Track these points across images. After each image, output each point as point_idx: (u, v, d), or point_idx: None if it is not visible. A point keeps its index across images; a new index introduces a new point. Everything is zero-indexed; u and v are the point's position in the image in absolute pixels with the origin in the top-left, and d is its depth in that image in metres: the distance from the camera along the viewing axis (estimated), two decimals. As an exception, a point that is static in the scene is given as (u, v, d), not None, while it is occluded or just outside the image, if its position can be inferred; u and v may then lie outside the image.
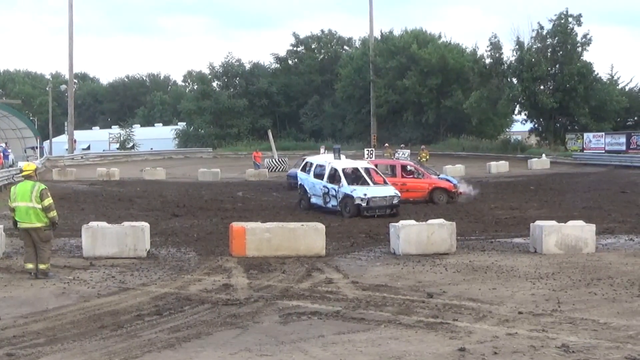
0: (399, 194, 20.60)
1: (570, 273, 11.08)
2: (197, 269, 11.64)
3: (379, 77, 65.46)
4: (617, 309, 8.76)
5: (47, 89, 75.91)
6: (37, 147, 56.18)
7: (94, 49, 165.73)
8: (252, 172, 38.96)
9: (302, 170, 23.35)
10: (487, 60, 59.47)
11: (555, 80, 54.87)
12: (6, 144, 47.56)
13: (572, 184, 30.70)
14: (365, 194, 19.81)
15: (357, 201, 19.74)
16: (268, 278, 10.84)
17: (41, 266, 10.91)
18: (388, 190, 20.44)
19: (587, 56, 55.82)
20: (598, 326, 7.91)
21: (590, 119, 53.33)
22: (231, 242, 12.96)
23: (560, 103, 53.39)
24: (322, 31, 79.94)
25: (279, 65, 79.96)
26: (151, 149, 66.81)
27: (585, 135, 50.48)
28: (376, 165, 23.95)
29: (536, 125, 58.90)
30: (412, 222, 13.48)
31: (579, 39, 54.82)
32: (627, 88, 58.32)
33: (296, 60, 79.24)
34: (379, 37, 71.08)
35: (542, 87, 55.58)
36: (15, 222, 11.16)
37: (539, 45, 55.66)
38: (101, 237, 12.69)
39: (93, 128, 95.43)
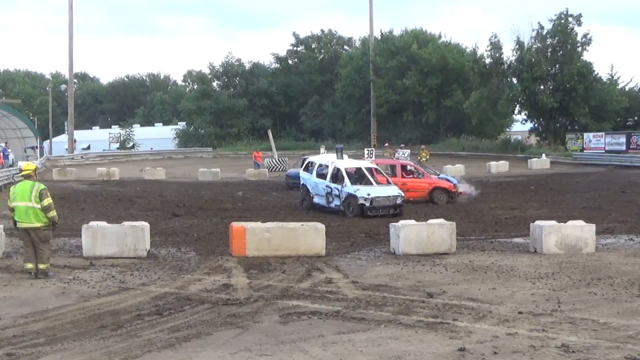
0: (403, 194, 20.53)
1: (570, 273, 11.08)
2: (197, 269, 11.64)
3: (379, 77, 65.39)
4: (617, 308, 8.76)
5: (47, 88, 75.87)
6: (37, 147, 56.11)
7: (94, 49, 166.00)
8: (252, 171, 38.96)
9: (304, 169, 23.22)
10: (487, 60, 59.44)
11: (555, 80, 54.84)
12: (6, 143, 47.46)
13: (572, 184, 30.68)
14: (368, 194, 19.72)
15: (361, 201, 19.66)
16: (268, 278, 10.84)
17: (41, 266, 10.91)
18: (391, 190, 20.35)
19: (587, 56, 55.86)
20: (598, 326, 7.90)
21: (590, 119, 53.31)
22: (231, 241, 12.96)
23: (560, 103, 53.37)
24: (322, 31, 79.97)
25: (279, 65, 79.87)
26: (151, 148, 66.74)
27: (585, 135, 50.45)
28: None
29: (536, 125, 58.86)
30: (412, 222, 13.49)
31: (579, 39, 54.79)
32: (627, 88, 58.28)
33: (296, 60, 79.15)
34: (379, 37, 71.00)
35: (542, 87, 55.54)
36: (15, 222, 11.16)
37: (539, 45, 55.62)
38: (101, 237, 12.70)
39: (93, 128, 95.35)
